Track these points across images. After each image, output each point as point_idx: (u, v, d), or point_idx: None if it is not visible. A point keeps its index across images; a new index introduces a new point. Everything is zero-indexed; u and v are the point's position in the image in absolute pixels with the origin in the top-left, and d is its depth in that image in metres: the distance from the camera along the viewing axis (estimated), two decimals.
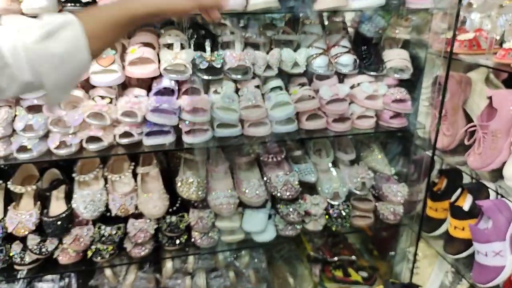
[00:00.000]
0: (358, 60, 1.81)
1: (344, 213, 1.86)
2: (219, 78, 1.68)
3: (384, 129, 1.83)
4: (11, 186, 1.67)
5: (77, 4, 1.41)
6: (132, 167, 1.80)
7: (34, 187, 1.70)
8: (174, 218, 1.76)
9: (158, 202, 1.71)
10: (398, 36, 1.88)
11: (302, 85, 1.80)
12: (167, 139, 1.64)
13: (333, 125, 1.76)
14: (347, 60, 1.79)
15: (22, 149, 1.53)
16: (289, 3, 1.53)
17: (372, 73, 1.81)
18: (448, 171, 2.08)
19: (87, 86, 1.63)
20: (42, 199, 1.75)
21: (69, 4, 1.40)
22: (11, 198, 1.76)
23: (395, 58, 1.82)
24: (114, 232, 1.72)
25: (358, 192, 1.88)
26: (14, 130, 1.54)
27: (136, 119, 1.58)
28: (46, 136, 1.57)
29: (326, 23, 1.97)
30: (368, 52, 1.84)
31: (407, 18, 1.92)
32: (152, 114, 1.59)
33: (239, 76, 1.69)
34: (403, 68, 1.83)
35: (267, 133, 1.70)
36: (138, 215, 1.76)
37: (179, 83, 1.69)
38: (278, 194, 1.75)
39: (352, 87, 1.81)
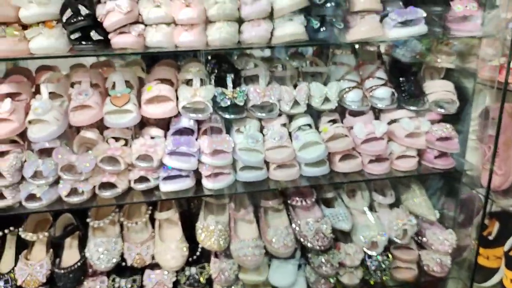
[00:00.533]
0: (396, 93, 1.62)
1: (383, 265, 1.64)
2: (242, 117, 1.54)
3: (428, 171, 1.62)
4: (22, 233, 1.56)
5: (89, 43, 1.30)
6: (149, 212, 1.67)
7: (46, 234, 1.59)
8: (194, 270, 1.61)
9: (176, 252, 1.56)
10: (441, 65, 1.69)
11: (334, 121, 1.63)
12: (186, 184, 1.50)
13: (369, 166, 1.58)
14: (383, 94, 1.61)
15: (31, 197, 1.42)
16: (318, 35, 1.38)
17: (412, 107, 1.62)
18: (500, 214, 1.85)
19: (101, 126, 1.52)
20: (55, 245, 1.64)
21: (79, 43, 1.30)
22: (24, 243, 1.65)
23: (438, 90, 1.63)
24: (129, 285, 1.57)
25: (399, 241, 1.67)
26: (23, 177, 1.44)
27: (151, 164, 1.45)
28: (56, 182, 1.46)
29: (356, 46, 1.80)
30: (407, 84, 1.65)
31: (448, 42, 1.73)
32: (170, 157, 1.46)
33: (263, 114, 1.55)
34: (447, 101, 1.63)
35: (295, 177, 1.54)
36: (155, 266, 1.61)
37: (198, 121, 1.56)
38: (309, 244, 1.57)
39: (390, 123, 1.63)
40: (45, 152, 1.49)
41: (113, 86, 1.52)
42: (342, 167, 1.56)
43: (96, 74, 1.59)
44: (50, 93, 1.49)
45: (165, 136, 1.54)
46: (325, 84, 1.61)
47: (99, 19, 1.29)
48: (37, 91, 1.54)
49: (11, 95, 1.49)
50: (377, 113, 1.68)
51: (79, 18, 1.26)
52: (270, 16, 1.39)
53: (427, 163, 1.64)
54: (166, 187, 1.48)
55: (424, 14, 1.43)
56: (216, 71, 1.61)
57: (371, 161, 1.58)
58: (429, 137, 1.60)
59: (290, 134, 1.58)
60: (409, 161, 1.61)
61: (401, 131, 1.59)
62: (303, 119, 1.58)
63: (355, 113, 1.64)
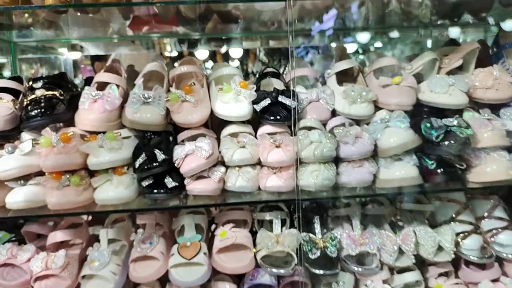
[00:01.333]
0: None
1: None
2: (335, 272, 1.25)
3: None
4: None
5: (162, 191, 1.10)
6: None
7: None
8: None
9: None
10: None
11: (447, 275, 1.31)
12: None
13: None
14: (508, 239, 1.29)
15: None
16: (435, 178, 1.13)
17: None
18: None
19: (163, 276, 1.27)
20: None
21: (151, 191, 1.10)
22: None
23: None
24: None
25: None
26: None
27: None
28: None
29: None
30: None
31: None
32: None
33: (360, 269, 1.25)
34: None
35: None
36: None
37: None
38: None
39: None
40: None
41: (181, 230, 1.30)
42: None
43: (161, 213, 1.39)
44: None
45: None
46: (428, 222, 1.33)
47: (175, 164, 1.11)
48: (94, 222, 1.41)
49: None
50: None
51: (154, 164, 1.08)
52: (373, 153, 1.17)
53: None
54: None
55: None
56: (300, 210, 1.36)
57: None
58: None
59: None
60: None
61: None
62: (412, 275, 1.27)
63: (475, 265, 1.31)
